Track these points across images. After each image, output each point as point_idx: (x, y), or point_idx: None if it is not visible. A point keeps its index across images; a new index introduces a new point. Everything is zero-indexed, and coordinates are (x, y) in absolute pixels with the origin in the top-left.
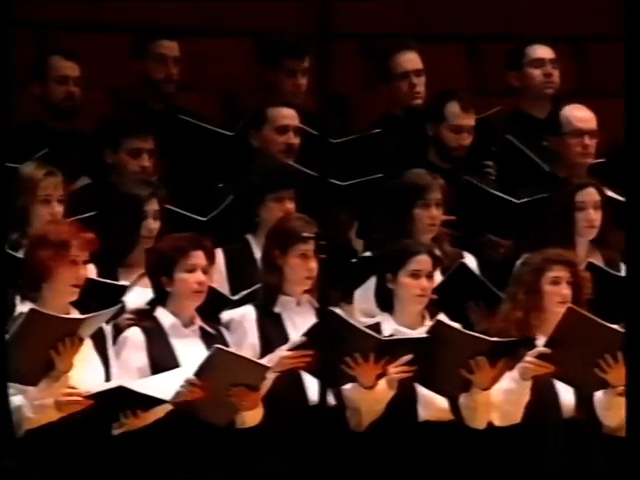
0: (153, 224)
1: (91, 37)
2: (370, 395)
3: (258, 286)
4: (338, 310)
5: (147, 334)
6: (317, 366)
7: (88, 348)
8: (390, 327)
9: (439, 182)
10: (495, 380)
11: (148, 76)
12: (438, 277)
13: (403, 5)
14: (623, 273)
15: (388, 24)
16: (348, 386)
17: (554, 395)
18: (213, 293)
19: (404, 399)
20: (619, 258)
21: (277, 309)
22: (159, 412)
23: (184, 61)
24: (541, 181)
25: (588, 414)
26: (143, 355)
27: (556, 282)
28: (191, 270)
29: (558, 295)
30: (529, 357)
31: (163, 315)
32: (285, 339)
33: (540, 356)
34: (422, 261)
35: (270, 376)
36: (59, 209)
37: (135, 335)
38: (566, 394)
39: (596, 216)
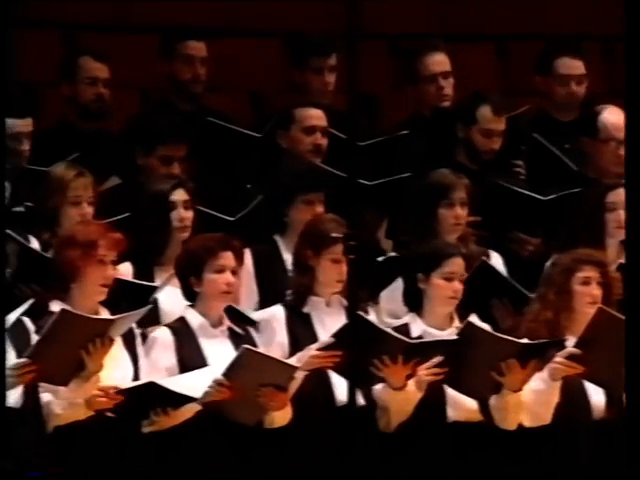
0: (184, 213)
1: (119, 38)
2: (399, 396)
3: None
4: (364, 313)
5: (176, 334)
6: (346, 366)
7: (118, 347)
8: (419, 328)
9: (463, 181)
10: (525, 381)
11: (176, 77)
12: None
13: (431, 5)
14: None
15: (416, 24)
16: (378, 387)
17: (584, 396)
18: None
19: (433, 400)
20: None
21: (306, 309)
22: (188, 412)
23: (211, 61)
24: (569, 181)
25: (618, 415)
26: (172, 355)
27: (586, 282)
28: (220, 271)
29: (588, 296)
30: (559, 358)
31: (192, 315)
32: (314, 339)
33: (570, 357)
34: (456, 263)
35: (299, 375)
36: (89, 210)
37: (164, 335)
38: (596, 395)
39: None
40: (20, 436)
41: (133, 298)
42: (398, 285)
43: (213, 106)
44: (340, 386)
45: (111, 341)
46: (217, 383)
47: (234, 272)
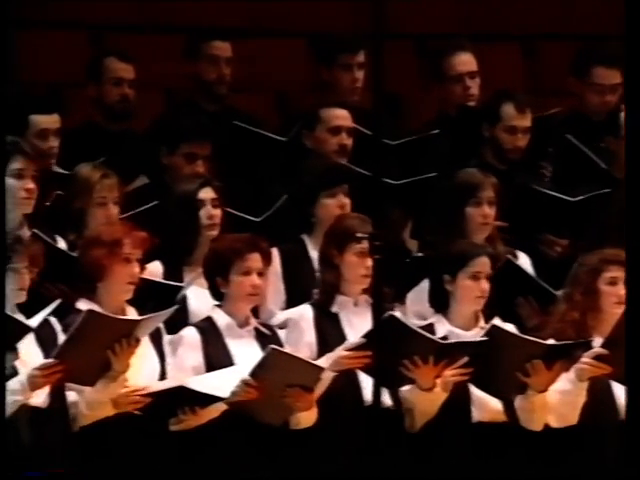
0: (212, 211)
1: (144, 38)
2: (427, 397)
3: None
4: (397, 313)
5: (203, 334)
6: (374, 367)
7: (145, 347)
8: (444, 328)
9: (491, 180)
10: (551, 382)
11: (201, 77)
12: None
13: (458, 4)
14: None
15: (442, 24)
16: (406, 388)
17: (611, 396)
18: None
19: (458, 400)
20: None
21: (334, 309)
22: (214, 411)
23: (236, 62)
24: (598, 181)
25: None
26: (199, 354)
27: (613, 283)
28: (246, 273)
29: (615, 296)
30: (586, 358)
31: (219, 315)
32: (342, 339)
33: (597, 357)
34: (483, 263)
35: (327, 376)
36: (115, 211)
37: (191, 334)
38: (623, 395)
39: None
40: (47, 435)
41: (160, 298)
42: (424, 286)
43: (238, 106)
44: (368, 386)
45: (137, 341)
46: (244, 383)
47: (261, 274)
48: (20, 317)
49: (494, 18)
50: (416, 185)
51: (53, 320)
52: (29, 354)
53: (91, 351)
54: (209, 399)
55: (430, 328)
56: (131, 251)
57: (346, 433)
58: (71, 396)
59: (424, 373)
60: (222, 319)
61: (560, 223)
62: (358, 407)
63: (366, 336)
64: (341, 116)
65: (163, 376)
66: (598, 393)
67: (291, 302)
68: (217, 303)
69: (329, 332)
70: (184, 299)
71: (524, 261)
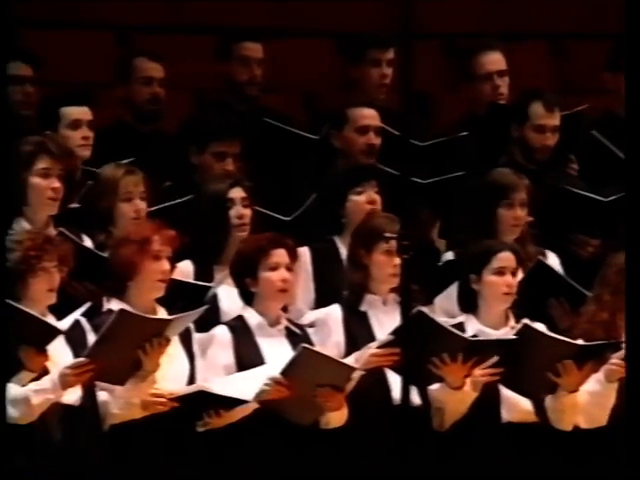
0: (242, 210)
1: (174, 38)
2: (456, 396)
3: None
4: (425, 309)
5: (234, 332)
6: (403, 365)
7: (175, 346)
8: (474, 327)
9: (524, 182)
10: (582, 382)
11: (232, 78)
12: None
13: (486, 4)
14: None
15: (471, 23)
16: (435, 386)
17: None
18: None
19: (488, 400)
20: None
21: (363, 308)
22: (245, 410)
23: (267, 62)
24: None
25: None
26: (230, 353)
27: None
28: (274, 268)
29: None
30: (615, 359)
31: (250, 314)
32: (371, 338)
33: None
34: (506, 258)
35: (356, 375)
36: (142, 206)
37: (222, 333)
38: None
39: None
40: (78, 434)
41: (190, 298)
42: (453, 285)
43: (268, 106)
44: (397, 385)
45: (167, 341)
46: (275, 381)
47: (289, 269)
48: (51, 318)
49: (522, 17)
50: (444, 184)
51: (83, 320)
52: (59, 353)
53: (122, 350)
54: (232, 402)
55: (460, 327)
56: (161, 248)
57: (375, 432)
58: (101, 396)
59: (453, 371)
60: (253, 318)
61: (592, 223)
62: (387, 406)
63: (394, 333)
64: (369, 115)
65: (193, 375)
66: None
67: (321, 302)
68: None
69: (358, 331)
70: (215, 298)
71: (553, 261)
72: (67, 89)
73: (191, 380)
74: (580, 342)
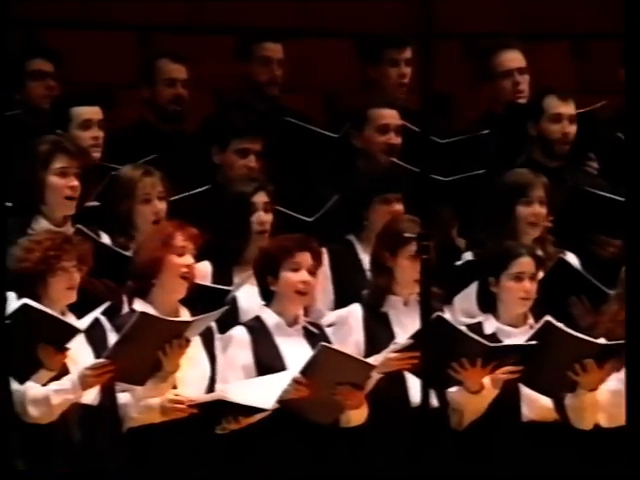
0: (264, 216)
1: (195, 38)
2: (475, 399)
3: None
4: (445, 314)
5: (252, 333)
6: (421, 368)
7: (196, 346)
8: (492, 326)
9: (542, 180)
10: (602, 381)
11: (252, 78)
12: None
13: (506, 4)
14: None
15: (491, 23)
16: (453, 389)
17: None
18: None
19: (508, 399)
20: None
21: (384, 309)
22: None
23: (287, 63)
24: None
25: None
26: (248, 354)
27: None
28: (296, 269)
29: None
30: None
31: (267, 315)
32: (392, 339)
33: None
34: (525, 263)
35: (375, 376)
36: (161, 206)
37: (240, 334)
38: None
39: None
40: (97, 434)
41: (210, 299)
42: (472, 285)
43: (288, 106)
44: (415, 387)
45: (187, 342)
46: (295, 381)
47: (311, 272)
48: (70, 317)
49: (542, 17)
50: (464, 183)
51: (103, 319)
52: (79, 353)
53: (142, 351)
54: (251, 410)
55: (478, 326)
56: (184, 244)
57: (395, 432)
58: (121, 398)
59: (472, 376)
60: (271, 318)
61: (613, 223)
62: (405, 408)
63: (414, 337)
64: (389, 115)
65: (214, 377)
66: None
67: (339, 303)
68: (265, 303)
69: (378, 331)
70: (234, 299)
71: (573, 262)
72: (89, 89)
73: (212, 382)
74: (602, 341)
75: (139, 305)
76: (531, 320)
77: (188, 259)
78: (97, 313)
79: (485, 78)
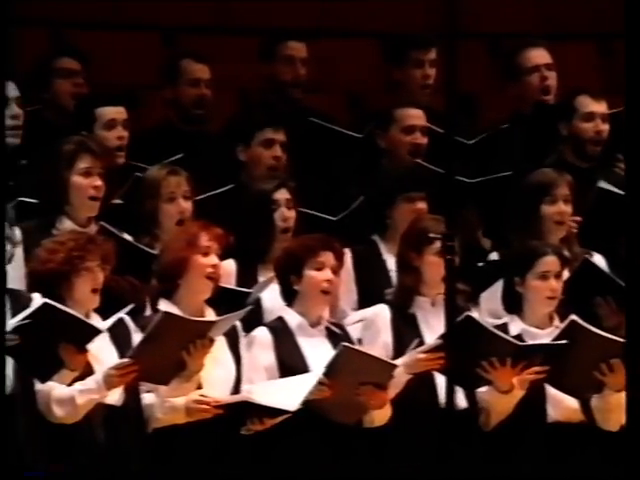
0: (287, 213)
1: (218, 39)
2: (505, 399)
3: None
4: (474, 314)
5: (274, 333)
6: (448, 368)
7: (221, 346)
8: (518, 327)
9: (566, 178)
10: None
11: (276, 78)
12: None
13: (531, 3)
14: None
15: (515, 23)
16: (483, 389)
17: None
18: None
19: (534, 400)
20: None
21: (412, 310)
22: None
23: (311, 62)
24: None
25: None
26: (271, 354)
27: None
28: (319, 268)
29: None
30: None
31: (290, 315)
32: (419, 339)
33: None
34: (550, 262)
35: (403, 378)
36: (186, 205)
37: (262, 334)
38: None
39: None
40: (121, 434)
41: (234, 300)
42: (498, 285)
43: (313, 106)
44: (444, 387)
45: (211, 341)
46: (318, 382)
47: (334, 271)
48: (95, 316)
49: (568, 17)
50: (491, 184)
51: (127, 319)
52: (104, 353)
53: (166, 351)
54: (275, 411)
55: (504, 327)
56: (209, 244)
57: (421, 433)
58: (146, 399)
59: (502, 375)
60: (293, 318)
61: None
62: (433, 408)
63: (442, 337)
64: (415, 115)
65: (239, 377)
66: None
67: (363, 303)
68: (286, 303)
69: (406, 332)
70: (258, 300)
71: (599, 262)
72: (113, 90)
73: (238, 382)
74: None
75: (164, 306)
76: (557, 322)
77: (213, 259)
78: (120, 315)
79: (511, 77)
